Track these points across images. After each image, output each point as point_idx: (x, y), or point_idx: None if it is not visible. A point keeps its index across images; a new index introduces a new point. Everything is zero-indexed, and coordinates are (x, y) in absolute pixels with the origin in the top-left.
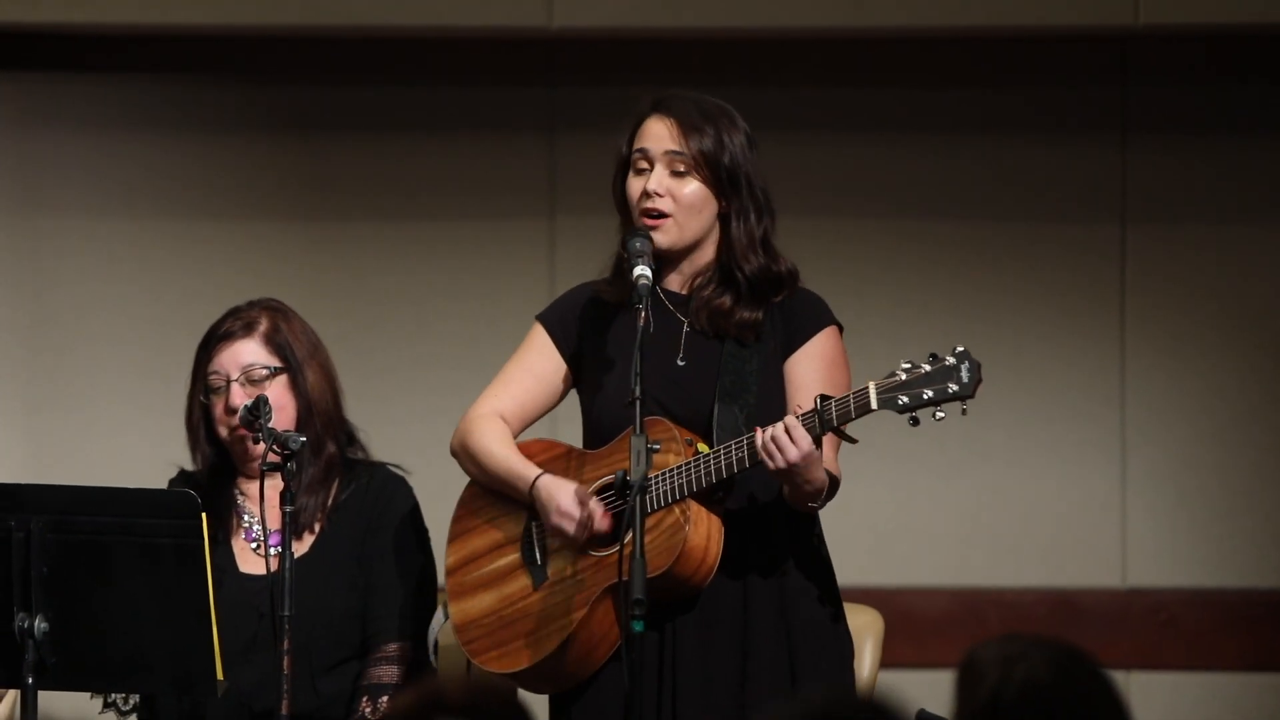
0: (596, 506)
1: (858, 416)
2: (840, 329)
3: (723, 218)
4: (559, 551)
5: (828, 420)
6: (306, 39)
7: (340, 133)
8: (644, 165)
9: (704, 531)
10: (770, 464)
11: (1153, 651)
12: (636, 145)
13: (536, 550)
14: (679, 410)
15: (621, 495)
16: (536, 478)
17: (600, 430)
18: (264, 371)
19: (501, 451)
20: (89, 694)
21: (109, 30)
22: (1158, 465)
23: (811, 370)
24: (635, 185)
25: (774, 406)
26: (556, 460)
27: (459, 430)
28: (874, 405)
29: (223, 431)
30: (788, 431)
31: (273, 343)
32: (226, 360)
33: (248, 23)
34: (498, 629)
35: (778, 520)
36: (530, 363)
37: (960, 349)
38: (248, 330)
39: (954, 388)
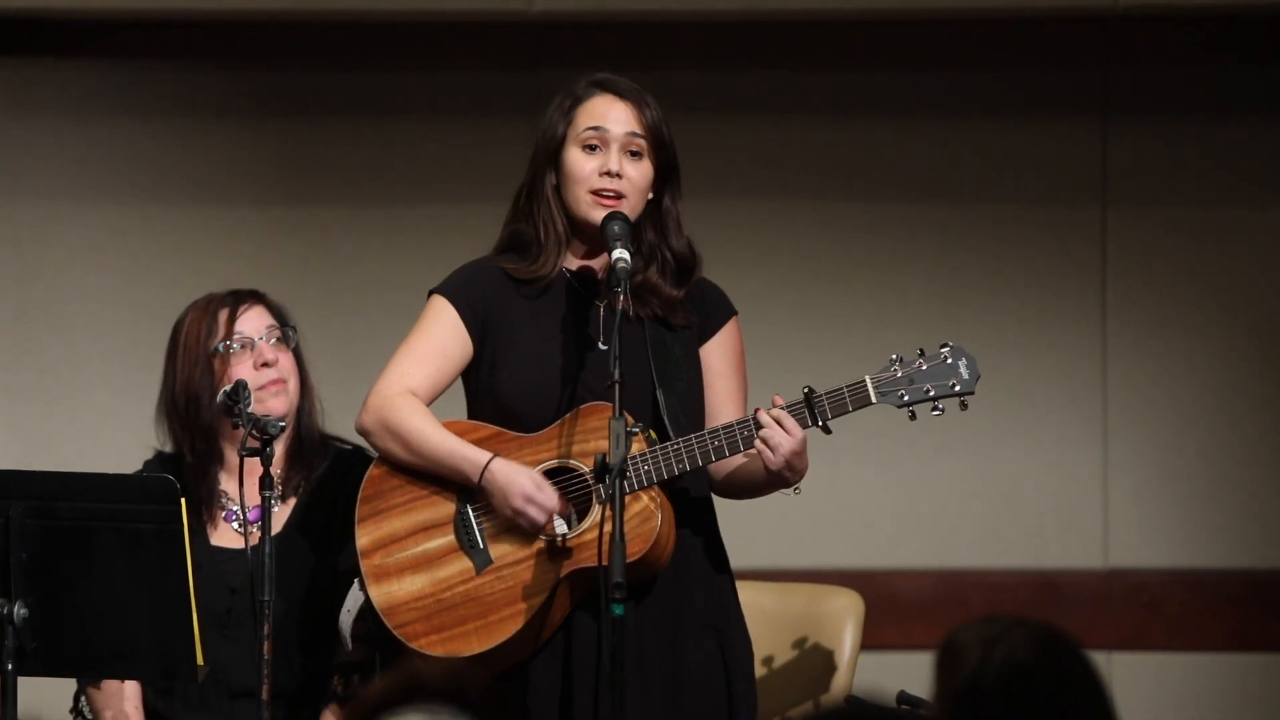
0: (552, 491)
1: (854, 410)
2: None
3: (653, 200)
4: (503, 535)
5: (820, 412)
6: (288, 24)
7: (322, 118)
8: (596, 144)
9: (669, 519)
10: (771, 458)
11: (1135, 632)
12: (590, 124)
13: (477, 533)
14: (601, 394)
15: (600, 479)
16: (489, 461)
17: (508, 412)
18: (288, 331)
19: (437, 434)
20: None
21: (90, 16)
22: (1139, 446)
23: (724, 360)
24: (586, 162)
25: (698, 393)
26: (487, 442)
27: (373, 407)
28: (873, 399)
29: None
30: (780, 423)
31: (277, 312)
32: (250, 323)
33: (229, 8)
34: (436, 612)
35: (691, 503)
36: (441, 341)
37: (951, 344)
38: (256, 298)
39: (956, 385)
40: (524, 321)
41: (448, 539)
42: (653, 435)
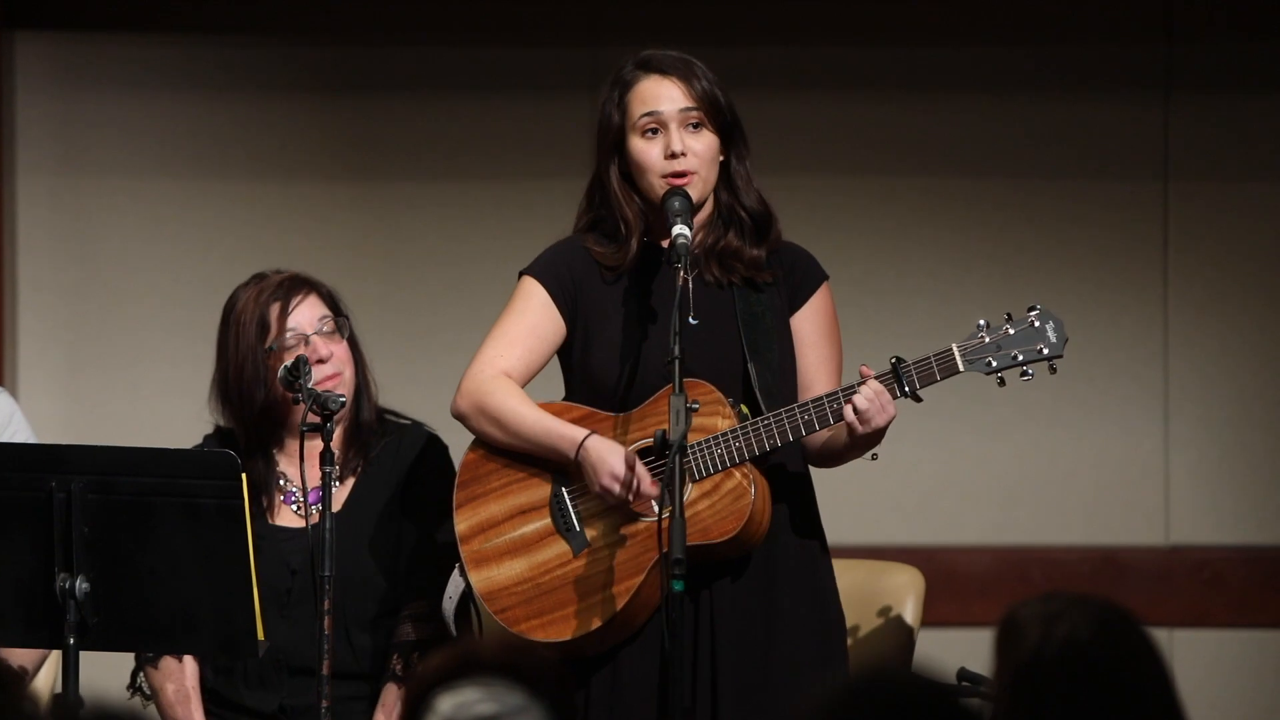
0: (643, 471)
1: (943, 378)
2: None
3: (722, 162)
4: (599, 517)
5: (909, 383)
6: None
7: (382, 93)
8: (654, 128)
9: (764, 495)
10: (860, 428)
11: (1196, 609)
12: (644, 110)
13: (572, 516)
14: (704, 370)
15: (661, 455)
16: (585, 438)
17: (601, 392)
18: (342, 322)
19: (533, 414)
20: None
21: None
22: (1201, 422)
23: (816, 328)
24: (652, 149)
25: (790, 362)
26: (581, 422)
27: (467, 391)
28: (961, 368)
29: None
30: (879, 397)
31: (327, 297)
32: (302, 317)
33: None
34: (535, 597)
35: (786, 475)
36: (533, 322)
37: (1039, 308)
38: (309, 287)
39: (1044, 349)
40: (612, 301)
41: (544, 522)
42: (744, 410)
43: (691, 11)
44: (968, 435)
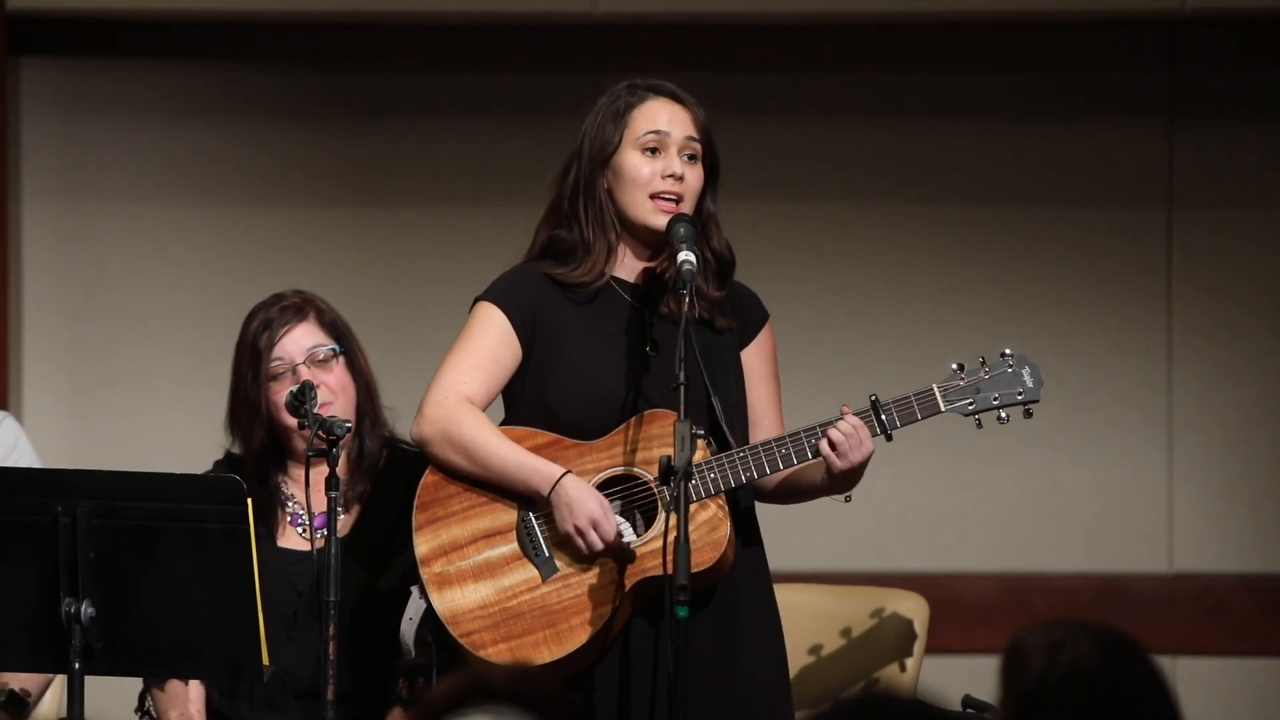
0: (611, 523)
1: (924, 418)
2: None
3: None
4: (568, 543)
5: (889, 421)
6: (352, 25)
7: (386, 118)
8: (656, 146)
9: (734, 526)
10: (837, 463)
11: (1199, 637)
12: (651, 127)
13: (541, 541)
14: (659, 400)
15: (665, 480)
16: (561, 476)
17: (558, 420)
18: (328, 352)
19: (504, 446)
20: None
21: (155, 16)
22: (1204, 450)
23: (764, 363)
24: (645, 165)
25: (742, 396)
26: (546, 449)
27: (432, 418)
28: (943, 407)
29: (287, 419)
30: (857, 432)
31: (326, 324)
32: (289, 346)
33: (293, 8)
34: (503, 621)
35: (741, 510)
36: (493, 349)
37: (1011, 353)
38: (302, 314)
39: (1022, 394)
40: (573, 328)
41: (510, 547)
42: (710, 443)
43: (692, 38)
44: (971, 462)
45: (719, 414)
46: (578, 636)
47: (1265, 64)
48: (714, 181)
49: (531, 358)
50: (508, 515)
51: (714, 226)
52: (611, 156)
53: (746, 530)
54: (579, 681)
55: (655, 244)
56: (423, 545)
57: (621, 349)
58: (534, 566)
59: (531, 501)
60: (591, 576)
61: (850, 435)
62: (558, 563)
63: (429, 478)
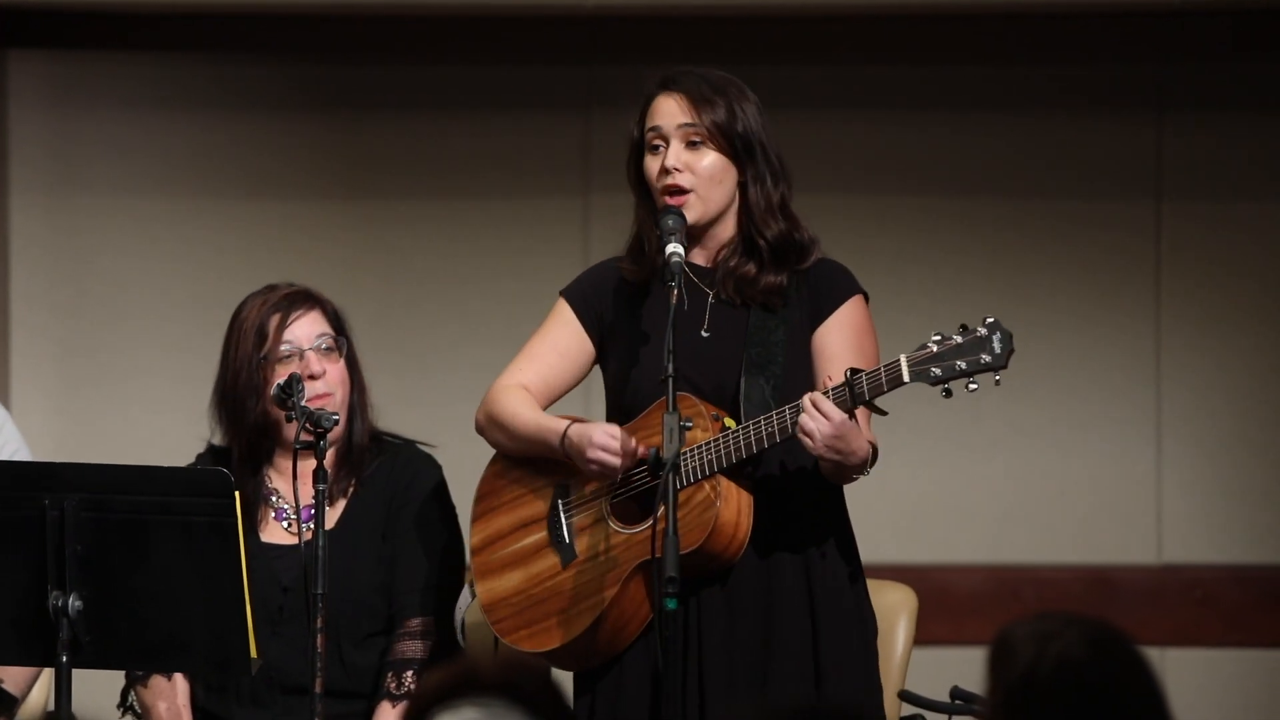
0: (627, 437)
1: (890, 389)
2: (867, 298)
3: (742, 186)
4: (587, 530)
5: (859, 394)
6: (344, 18)
7: (377, 111)
8: (658, 143)
9: (734, 507)
10: (810, 445)
11: (1188, 628)
12: (649, 124)
13: (564, 529)
14: (704, 383)
15: (654, 473)
16: (568, 426)
17: (628, 406)
18: (336, 342)
19: (529, 413)
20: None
21: (147, 8)
22: (1193, 442)
23: (841, 340)
24: (653, 164)
25: (801, 377)
26: None
27: (483, 404)
28: (906, 378)
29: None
30: (816, 406)
31: (331, 316)
32: (299, 331)
33: (283, 1)
34: (526, 608)
35: (805, 494)
36: (555, 338)
37: (991, 320)
38: (311, 304)
39: (986, 358)
40: (635, 318)
41: (541, 535)
42: (728, 423)
43: (688, 31)
44: (960, 454)
45: (741, 395)
46: (584, 621)
47: (1255, 57)
48: (749, 163)
49: (607, 348)
50: (544, 503)
51: (759, 213)
52: (640, 160)
53: (789, 510)
54: (611, 665)
55: (708, 231)
56: (475, 536)
57: (681, 334)
58: (557, 554)
59: (564, 489)
60: (601, 562)
61: (809, 411)
62: (576, 549)
63: (489, 469)
